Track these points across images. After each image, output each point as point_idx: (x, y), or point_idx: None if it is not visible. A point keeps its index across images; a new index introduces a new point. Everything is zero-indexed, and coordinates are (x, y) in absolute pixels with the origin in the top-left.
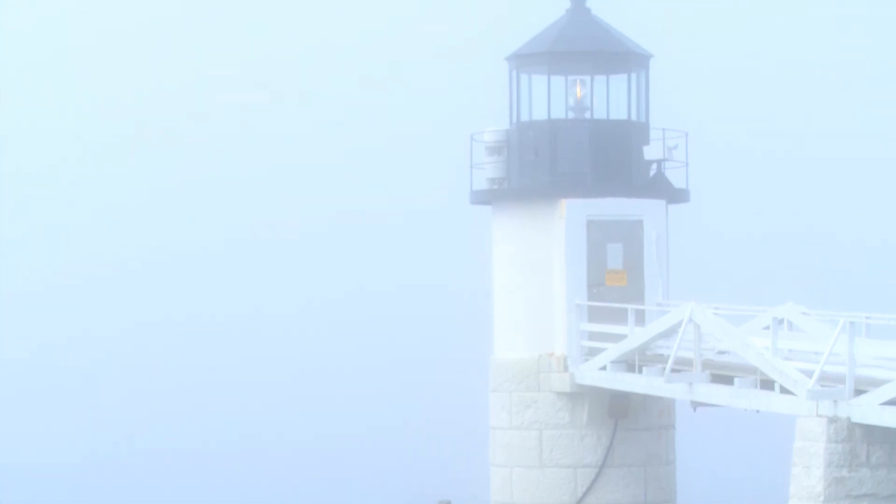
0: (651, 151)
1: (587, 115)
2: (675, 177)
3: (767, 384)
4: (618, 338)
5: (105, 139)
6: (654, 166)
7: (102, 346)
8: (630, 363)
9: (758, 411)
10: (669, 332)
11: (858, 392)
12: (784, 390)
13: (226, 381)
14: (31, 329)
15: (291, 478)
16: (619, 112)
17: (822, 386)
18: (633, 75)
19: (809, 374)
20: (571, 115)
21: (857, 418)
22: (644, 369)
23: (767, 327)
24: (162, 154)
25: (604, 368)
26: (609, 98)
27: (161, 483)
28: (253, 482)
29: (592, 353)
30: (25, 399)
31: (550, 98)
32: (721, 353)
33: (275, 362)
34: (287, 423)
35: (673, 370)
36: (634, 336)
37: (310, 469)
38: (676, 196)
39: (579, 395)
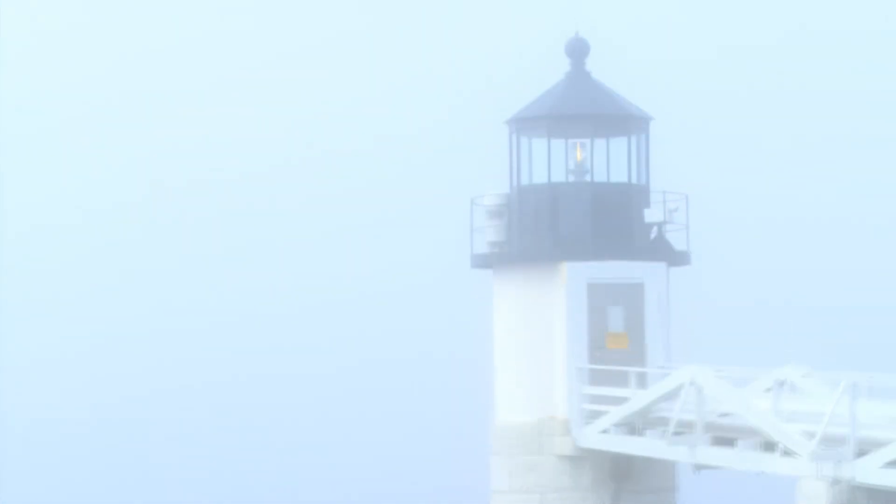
0: (652, 214)
1: (587, 178)
2: (676, 239)
3: (770, 446)
4: (619, 401)
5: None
6: (655, 229)
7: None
8: (632, 426)
9: (760, 473)
10: (671, 395)
11: (861, 453)
12: (786, 452)
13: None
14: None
15: None
16: (619, 175)
17: (825, 447)
18: (633, 138)
19: (811, 435)
20: (572, 178)
21: (859, 480)
22: (646, 432)
23: (769, 389)
24: (158, 223)
25: (606, 431)
26: (609, 161)
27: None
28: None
29: (594, 416)
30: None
31: (550, 161)
32: (723, 415)
33: (276, 435)
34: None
35: (675, 433)
36: (636, 399)
37: None
38: (677, 259)
39: (581, 458)
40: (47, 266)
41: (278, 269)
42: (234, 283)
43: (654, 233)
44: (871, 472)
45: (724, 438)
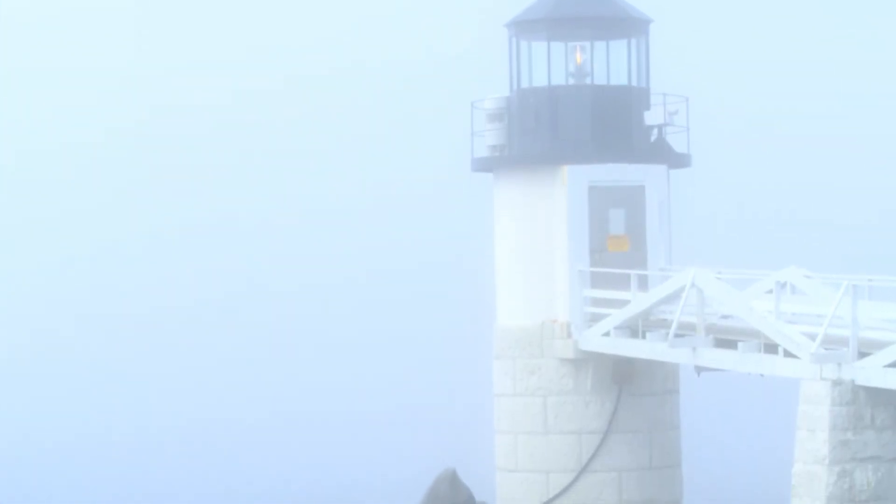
0: (652, 117)
1: (587, 81)
2: (676, 142)
3: (771, 348)
4: (621, 303)
5: (105, 127)
6: (655, 131)
7: (105, 332)
8: (633, 329)
9: (762, 375)
10: (672, 297)
11: (862, 354)
12: (788, 354)
13: (232, 359)
14: (32, 317)
15: (296, 451)
16: (619, 78)
17: (826, 349)
18: (633, 41)
19: (813, 337)
20: (572, 81)
21: (860, 381)
22: (647, 335)
23: (770, 291)
24: (162, 142)
25: (607, 334)
26: (609, 64)
27: (167, 464)
28: (260, 458)
29: (595, 319)
30: (24, 388)
31: (550, 64)
32: (724, 317)
33: (280, 338)
34: (290, 397)
35: (676, 335)
36: (637, 301)
37: (315, 441)
38: (678, 161)
39: (583, 361)
40: (41, 188)
41: (277, 180)
42: (235, 197)
43: (654, 135)
44: (872, 373)
45: (726, 340)
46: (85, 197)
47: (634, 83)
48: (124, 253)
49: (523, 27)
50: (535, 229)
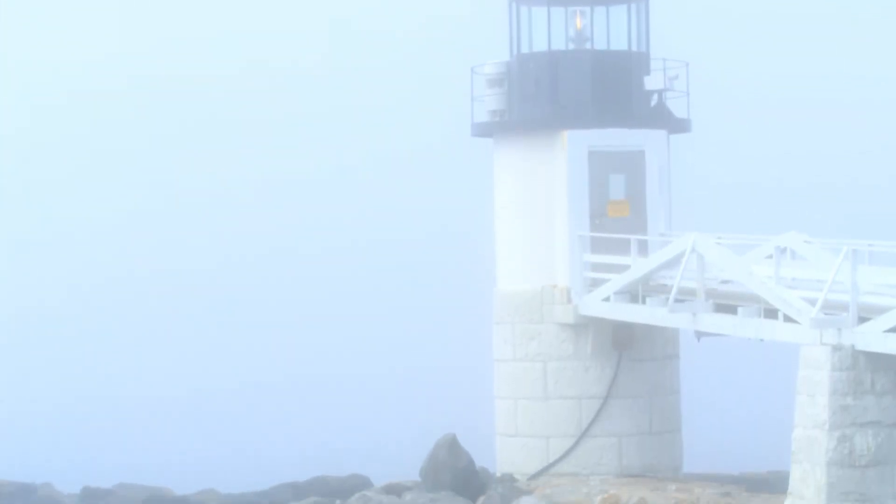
0: (652, 81)
1: (587, 46)
2: (677, 107)
3: (771, 313)
4: (621, 269)
5: (100, 89)
6: (656, 96)
7: (100, 293)
8: (633, 294)
9: (762, 340)
10: (672, 263)
11: (862, 320)
12: (788, 319)
13: (230, 323)
14: (26, 276)
15: (294, 416)
16: (619, 42)
17: (826, 314)
18: (633, 5)
19: (813, 302)
20: (572, 46)
21: (861, 346)
22: (647, 300)
23: (770, 256)
24: (157, 104)
25: (607, 299)
26: (609, 29)
27: (171, 425)
28: (258, 423)
29: (595, 284)
30: (22, 347)
31: (550, 29)
32: (724, 282)
33: (278, 304)
34: (290, 360)
35: (676, 300)
36: (637, 267)
37: (313, 406)
38: (678, 126)
39: (583, 326)
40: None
41: (278, 145)
42: (240, 161)
43: (654, 100)
44: (872, 338)
45: (726, 306)
46: (88, 159)
47: (634, 48)
48: (130, 220)
49: None
50: (535, 194)
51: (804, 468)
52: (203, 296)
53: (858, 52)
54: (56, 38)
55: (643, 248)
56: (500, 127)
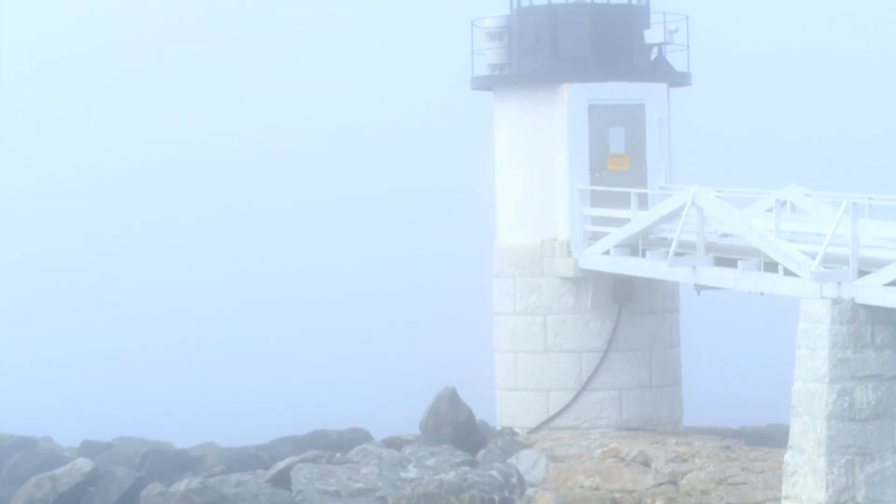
0: (652, 35)
1: None
2: (677, 60)
3: (771, 266)
4: (621, 222)
5: (104, 41)
6: (655, 50)
7: (99, 247)
8: (633, 247)
9: (762, 293)
10: (672, 216)
11: (862, 273)
12: (788, 272)
13: (231, 276)
14: (26, 231)
15: (295, 371)
16: None
17: (826, 267)
18: None
19: (813, 255)
20: None
21: (861, 299)
22: (647, 253)
23: (770, 209)
24: (155, 60)
25: (607, 253)
26: None
27: (171, 379)
28: (259, 377)
29: (595, 237)
30: (22, 300)
31: None
32: (724, 235)
33: (277, 259)
34: (290, 314)
35: (676, 254)
36: (637, 220)
37: (314, 360)
38: (678, 79)
39: (583, 279)
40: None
41: (276, 99)
42: (235, 115)
43: (654, 53)
44: (872, 291)
45: (726, 259)
46: (91, 111)
47: (634, 1)
48: (132, 172)
49: None
50: (535, 148)
51: (804, 421)
52: (204, 249)
53: (859, 2)
54: None
55: (643, 202)
56: (500, 80)
